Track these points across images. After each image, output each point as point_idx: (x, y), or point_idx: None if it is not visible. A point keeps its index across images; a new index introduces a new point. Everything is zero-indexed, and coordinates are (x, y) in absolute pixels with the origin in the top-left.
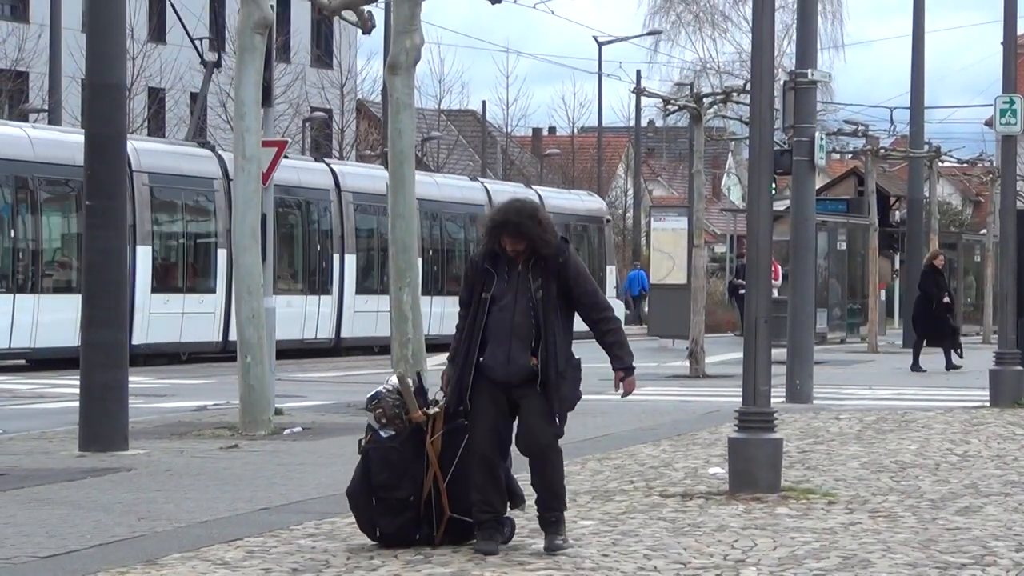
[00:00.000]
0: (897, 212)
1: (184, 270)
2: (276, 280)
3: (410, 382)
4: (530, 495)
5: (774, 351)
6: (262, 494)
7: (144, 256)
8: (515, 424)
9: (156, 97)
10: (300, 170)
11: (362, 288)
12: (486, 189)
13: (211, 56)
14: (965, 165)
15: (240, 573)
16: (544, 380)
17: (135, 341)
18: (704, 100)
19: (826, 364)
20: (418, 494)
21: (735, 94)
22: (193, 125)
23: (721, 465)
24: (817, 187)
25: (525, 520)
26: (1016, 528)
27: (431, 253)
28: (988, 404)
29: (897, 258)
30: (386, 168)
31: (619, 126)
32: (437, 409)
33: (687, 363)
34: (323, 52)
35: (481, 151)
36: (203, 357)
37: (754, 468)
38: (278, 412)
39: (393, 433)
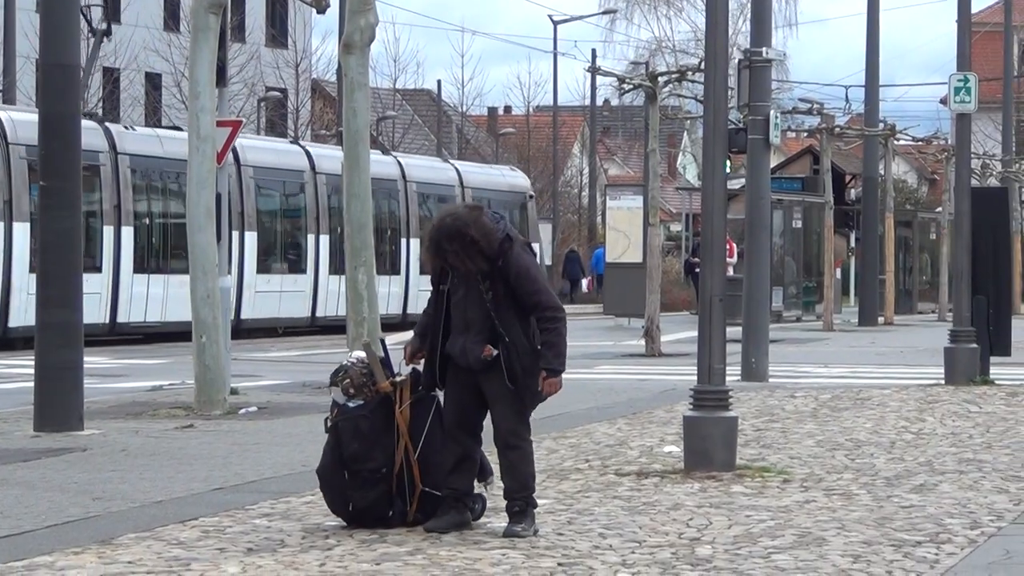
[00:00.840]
0: (852, 190)
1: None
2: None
3: (375, 352)
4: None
5: (729, 329)
6: (217, 474)
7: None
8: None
9: (111, 77)
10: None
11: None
12: (399, 164)
13: (101, 25)
14: (920, 143)
15: (195, 552)
16: (511, 376)
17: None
18: (659, 79)
19: (781, 342)
20: (390, 466)
21: (690, 73)
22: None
23: (676, 444)
24: (772, 165)
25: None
26: (971, 506)
27: (339, 232)
28: (943, 382)
29: (852, 236)
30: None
31: (575, 105)
32: (403, 376)
33: (643, 342)
34: (278, 32)
35: (436, 130)
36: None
37: (709, 446)
38: (233, 392)
39: (361, 403)
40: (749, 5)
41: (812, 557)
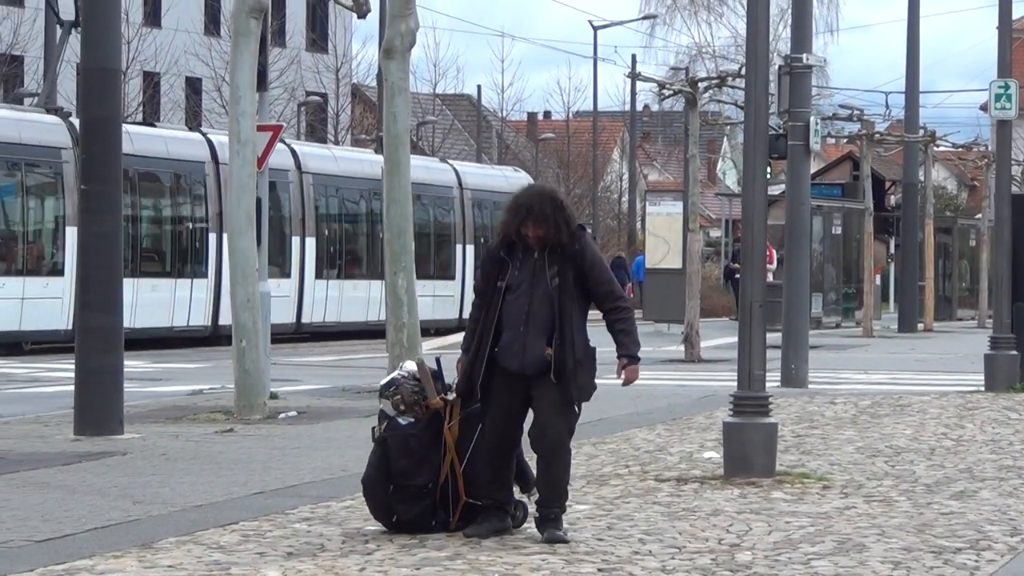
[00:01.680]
0: (892, 196)
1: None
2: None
3: (428, 368)
4: None
5: (769, 335)
6: (257, 478)
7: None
8: (528, 416)
9: (151, 81)
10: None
11: None
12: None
13: (67, 17)
14: (960, 150)
15: (235, 557)
16: (560, 370)
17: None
18: (699, 84)
19: (821, 348)
20: (435, 481)
21: (730, 78)
22: (45, 89)
23: (716, 449)
24: (812, 171)
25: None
26: (1011, 512)
27: (327, 233)
28: (983, 389)
29: (892, 243)
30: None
31: (614, 110)
32: (454, 395)
33: (682, 347)
34: (318, 36)
35: (476, 135)
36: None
37: (749, 452)
38: (273, 396)
39: (412, 420)
40: (790, 11)
41: (852, 563)
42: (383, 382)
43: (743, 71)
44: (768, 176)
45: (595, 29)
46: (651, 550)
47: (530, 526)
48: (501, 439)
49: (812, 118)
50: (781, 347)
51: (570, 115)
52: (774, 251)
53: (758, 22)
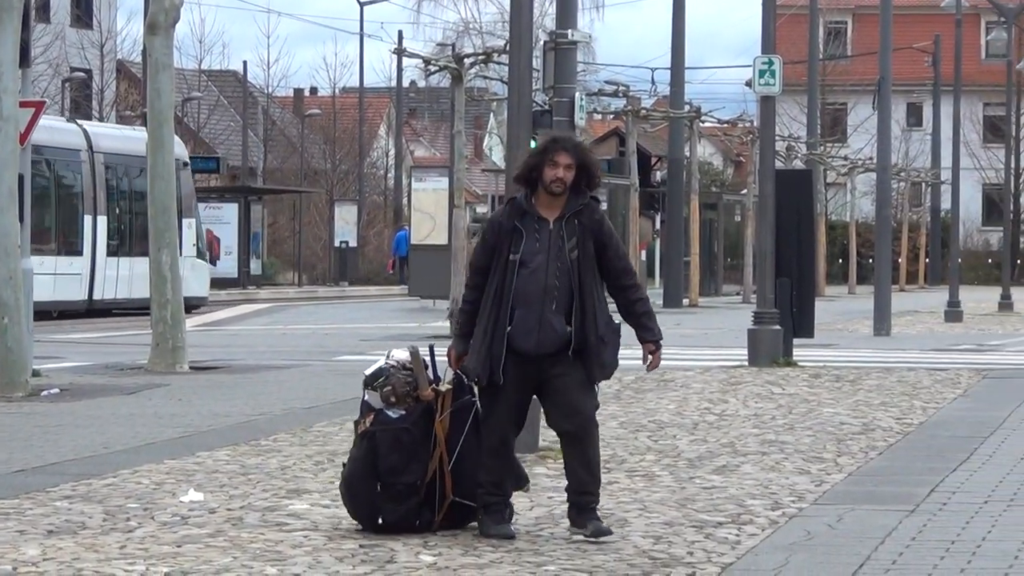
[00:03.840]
0: (658, 172)
1: None
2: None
3: (422, 356)
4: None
5: None
6: (18, 456)
7: None
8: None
9: None
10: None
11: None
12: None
13: None
14: (726, 125)
15: None
16: (582, 347)
17: None
18: (465, 61)
19: None
20: (424, 478)
21: (496, 55)
22: None
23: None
24: None
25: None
26: (772, 487)
27: (118, 211)
28: (747, 363)
29: (658, 218)
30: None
31: (381, 87)
32: (448, 386)
33: (447, 323)
34: (83, 12)
35: (242, 112)
36: None
37: None
38: (35, 374)
39: (403, 413)
40: None
41: (614, 538)
42: (369, 372)
43: (508, 47)
44: None
45: (361, 5)
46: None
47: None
48: (506, 429)
49: (577, 94)
50: None
51: (336, 91)
52: None
53: None
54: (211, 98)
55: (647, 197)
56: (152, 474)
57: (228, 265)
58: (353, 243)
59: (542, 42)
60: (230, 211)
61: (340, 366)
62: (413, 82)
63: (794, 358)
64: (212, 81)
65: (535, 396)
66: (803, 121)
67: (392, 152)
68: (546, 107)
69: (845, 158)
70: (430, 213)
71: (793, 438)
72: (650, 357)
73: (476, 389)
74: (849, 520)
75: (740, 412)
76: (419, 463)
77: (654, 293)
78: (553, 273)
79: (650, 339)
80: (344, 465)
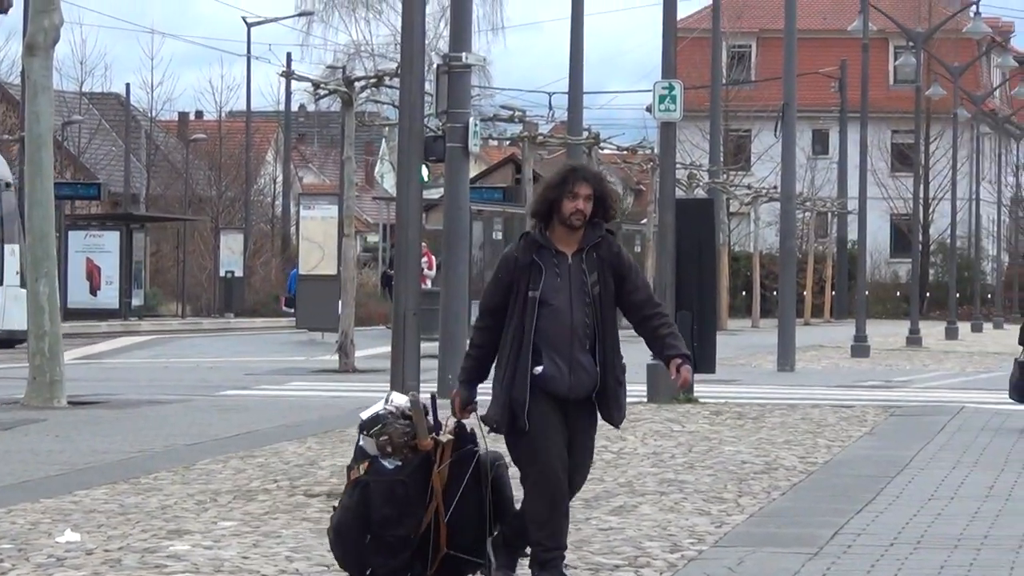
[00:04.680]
0: None
1: None
2: None
3: (422, 404)
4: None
5: (426, 345)
6: None
7: None
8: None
9: None
10: None
11: None
12: None
13: None
14: (625, 152)
15: None
16: (603, 390)
17: None
18: (356, 84)
19: None
20: (418, 531)
21: (387, 78)
22: None
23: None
24: (474, 175)
25: None
26: (671, 528)
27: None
28: (646, 400)
29: None
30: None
31: (269, 111)
32: (449, 436)
33: (336, 357)
34: None
35: (125, 136)
36: None
37: None
38: None
39: (400, 464)
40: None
41: None
42: (366, 416)
43: (400, 70)
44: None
45: (249, 26)
46: (298, 568)
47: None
48: (558, 474)
49: (471, 119)
50: (438, 357)
51: (223, 115)
52: (433, 257)
53: (413, 18)
54: (92, 122)
55: None
56: (27, 513)
57: (109, 296)
58: (239, 273)
59: (435, 65)
60: (111, 239)
61: (224, 401)
62: (302, 106)
63: (695, 394)
64: (94, 104)
65: None
66: (705, 148)
67: (280, 178)
68: (439, 133)
69: (748, 187)
70: (318, 242)
71: (693, 477)
72: (679, 372)
73: (505, 442)
74: (750, 563)
75: (638, 450)
76: (413, 516)
77: None
78: (578, 310)
79: (676, 353)
80: (334, 509)
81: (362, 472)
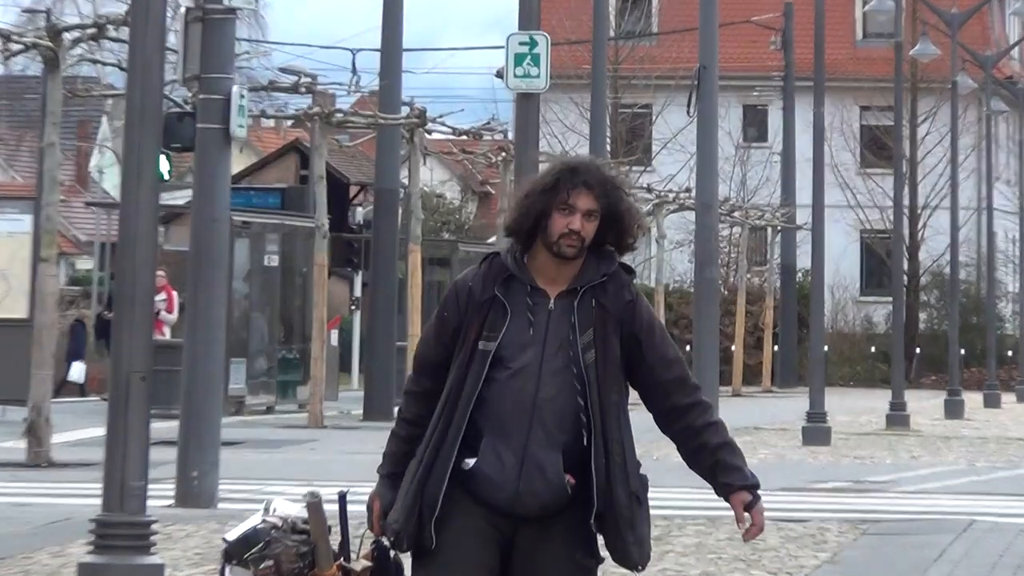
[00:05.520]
0: (360, 209)
1: None
2: None
3: (323, 511)
4: None
5: (160, 425)
6: None
7: None
8: None
9: None
10: None
11: None
12: None
13: None
14: (465, 138)
15: None
16: (604, 510)
17: None
18: (65, 36)
19: (243, 446)
20: None
21: (111, 27)
22: None
23: None
24: (238, 170)
25: None
26: None
27: None
28: None
29: (358, 280)
30: None
31: None
32: (366, 563)
33: (24, 443)
34: None
35: None
36: None
37: None
38: None
39: None
40: None
41: None
42: (233, 536)
43: (130, 16)
44: (166, 176)
45: None
46: None
47: None
48: None
49: (235, 88)
50: (178, 444)
51: None
52: (175, 293)
53: None
54: None
55: (343, 247)
56: None
57: None
58: None
59: (183, 9)
60: None
61: None
62: None
63: None
64: None
65: None
66: (584, 132)
67: None
68: (188, 108)
69: (648, 188)
70: (1, 270)
71: None
72: (747, 515)
73: (411, 565)
74: None
75: None
76: None
77: (350, 397)
78: (553, 380)
79: (740, 484)
80: None
81: None
